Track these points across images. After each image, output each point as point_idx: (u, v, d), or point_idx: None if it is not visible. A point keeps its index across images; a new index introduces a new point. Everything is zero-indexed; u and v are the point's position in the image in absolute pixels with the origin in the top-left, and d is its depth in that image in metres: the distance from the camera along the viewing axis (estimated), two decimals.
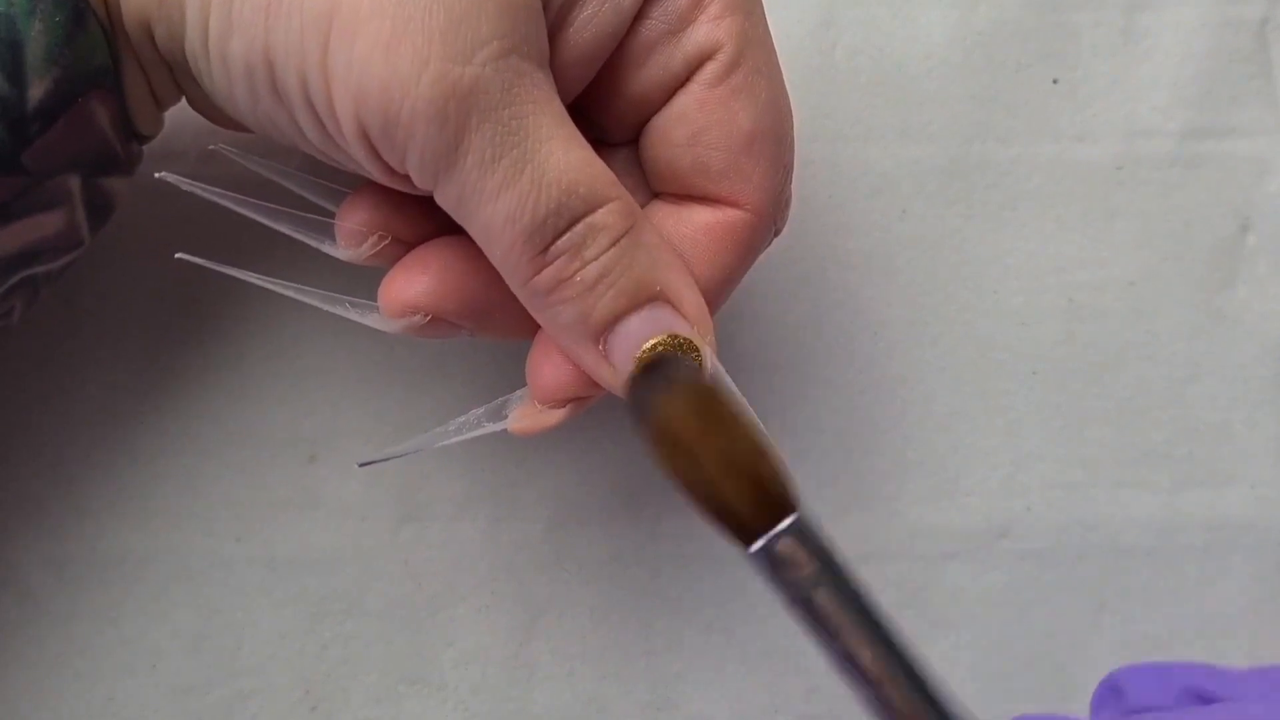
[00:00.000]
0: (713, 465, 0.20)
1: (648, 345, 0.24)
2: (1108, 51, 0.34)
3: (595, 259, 0.23)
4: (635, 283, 0.23)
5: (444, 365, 0.32)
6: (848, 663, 0.19)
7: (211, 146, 0.27)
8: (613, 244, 0.23)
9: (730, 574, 0.32)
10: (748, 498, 0.20)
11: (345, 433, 0.32)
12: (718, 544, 0.32)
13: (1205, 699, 0.23)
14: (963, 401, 0.33)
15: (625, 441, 0.33)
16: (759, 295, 0.33)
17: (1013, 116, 0.33)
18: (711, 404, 0.20)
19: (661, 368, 0.22)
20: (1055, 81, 0.34)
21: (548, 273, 0.23)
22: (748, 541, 0.20)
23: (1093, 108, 0.33)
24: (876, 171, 0.33)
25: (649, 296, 0.24)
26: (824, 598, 0.20)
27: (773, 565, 0.20)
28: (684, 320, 0.24)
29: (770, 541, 0.20)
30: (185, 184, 0.26)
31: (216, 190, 0.26)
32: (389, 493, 0.32)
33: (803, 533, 0.20)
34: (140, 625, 0.31)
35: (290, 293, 0.26)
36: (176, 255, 0.26)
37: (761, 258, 0.26)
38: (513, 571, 0.32)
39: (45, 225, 0.25)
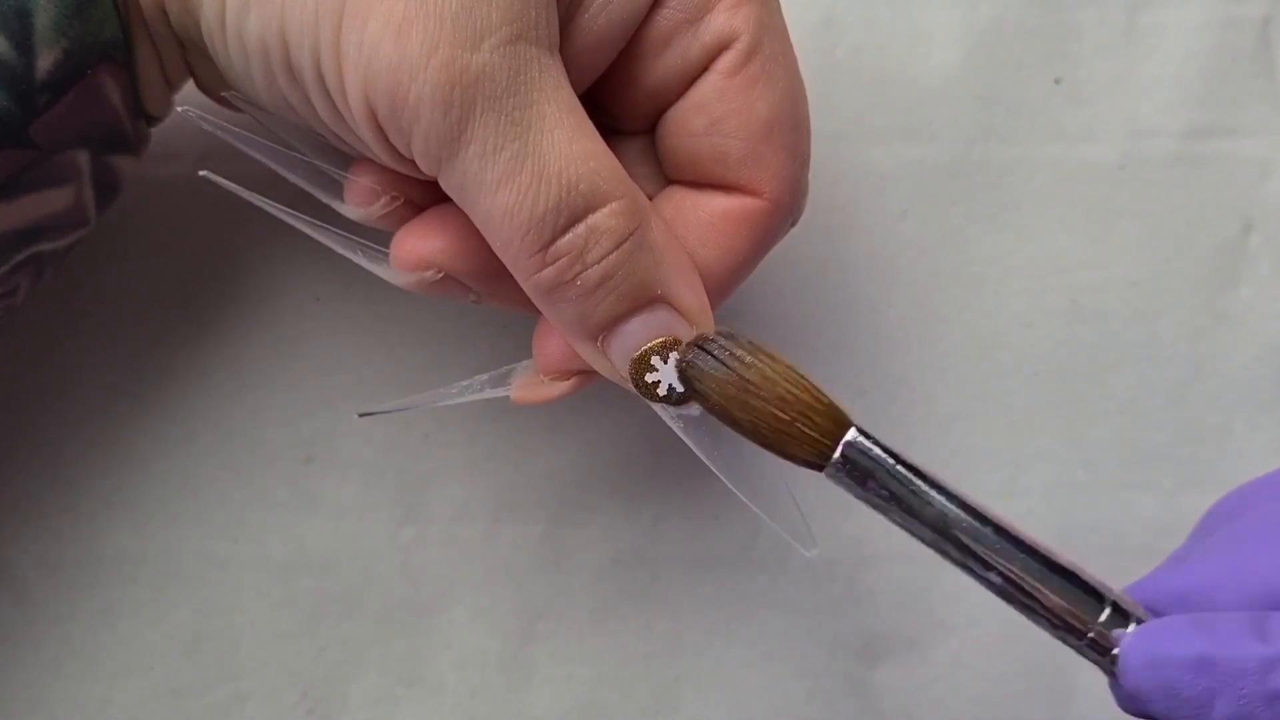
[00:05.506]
0: (786, 399, 0.23)
1: (645, 347, 0.24)
2: (1110, 51, 0.33)
3: (597, 263, 0.23)
4: (636, 287, 0.23)
5: (441, 367, 0.32)
6: (942, 532, 0.23)
7: (224, 95, 0.27)
8: (615, 248, 0.23)
9: (730, 577, 0.32)
10: (821, 416, 0.23)
11: (342, 434, 0.32)
12: (718, 546, 0.32)
13: None
14: (964, 402, 0.33)
15: (624, 444, 0.32)
16: (759, 295, 0.33)
17: (1015, 116, 0.33)
18: (769, 352, 0.24)
19: (718, 339, 0.24)
20: (1057, 81, 0.33)
21: (549, 273, 0.23)
22: (825, 458, 0.23)
23: (1095, 107, 0.33)
24: (878, 171, 0.33)
25: (650, 300, 0.24)
26: (907, 480, 0.23)
27: (855, 466, 0.23)
28: (684, 322, 0.24)
29: (847, 447, 0.23)
30: (208, 122, 0.25)
31: (236, 130, 0.25)
32: (387, 494, 0.32)
33: (868, 436, 0.23)
34: (136, 627, 0.31)
35: (307, 228, 0.26)
36: (201, 173, 0.25)
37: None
38: (511, 573, 0.32)
39: (53, 201, 0.25)
